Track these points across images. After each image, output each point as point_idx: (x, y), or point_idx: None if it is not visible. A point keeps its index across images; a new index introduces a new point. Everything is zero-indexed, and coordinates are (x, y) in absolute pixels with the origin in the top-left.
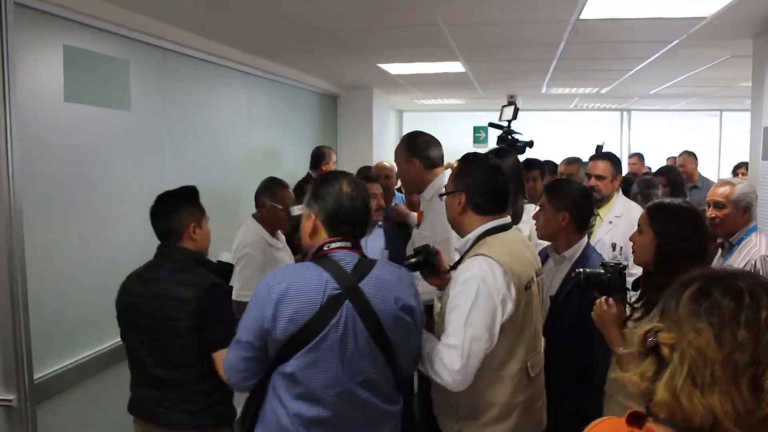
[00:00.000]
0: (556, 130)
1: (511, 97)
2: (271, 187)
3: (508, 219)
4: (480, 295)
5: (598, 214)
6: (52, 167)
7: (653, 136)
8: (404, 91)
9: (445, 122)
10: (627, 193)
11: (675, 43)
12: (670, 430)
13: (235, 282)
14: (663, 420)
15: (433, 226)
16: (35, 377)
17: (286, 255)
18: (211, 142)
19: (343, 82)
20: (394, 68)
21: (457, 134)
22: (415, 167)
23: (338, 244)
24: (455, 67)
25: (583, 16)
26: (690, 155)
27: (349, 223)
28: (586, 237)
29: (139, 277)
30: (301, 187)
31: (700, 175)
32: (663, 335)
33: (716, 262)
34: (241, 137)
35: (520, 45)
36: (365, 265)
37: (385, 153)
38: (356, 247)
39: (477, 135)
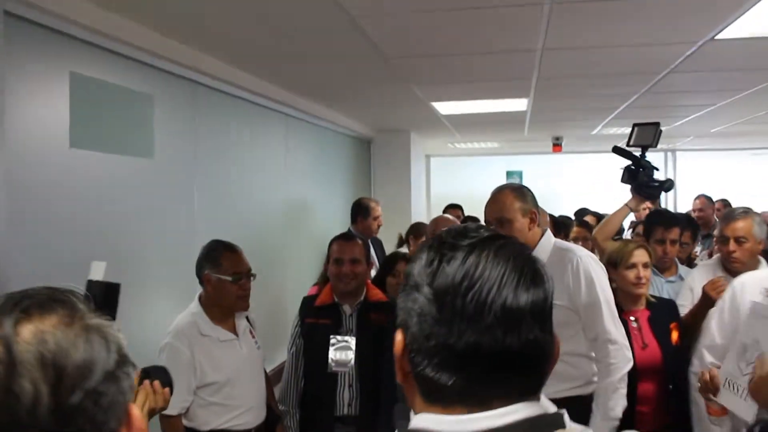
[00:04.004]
0: (577, 172)
1: (557, 138)
2: (211, 254)
3: (504, 419)
4: None
5: None
6: (52, 228)
7: (698, 178)
8: (443, 134)
9: (475, 167)
10: None
11: None
12: None
13: None
14: None
15: (570, 292)
16: None
17: (237, 349)
18: (245, 190)
19: (378, 124)
20: (445, 107)
21: (488, 180)
22: (533, 223)
23: None
24: (519, 105)
25: (720, 36)
26: (708, 199)
27: None
28: None
29: None
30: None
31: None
32: None
33: None
34: (279, 185)
35: (612, 75)
36: None
37: (420, 203)
38: None
39: (510, 180)
